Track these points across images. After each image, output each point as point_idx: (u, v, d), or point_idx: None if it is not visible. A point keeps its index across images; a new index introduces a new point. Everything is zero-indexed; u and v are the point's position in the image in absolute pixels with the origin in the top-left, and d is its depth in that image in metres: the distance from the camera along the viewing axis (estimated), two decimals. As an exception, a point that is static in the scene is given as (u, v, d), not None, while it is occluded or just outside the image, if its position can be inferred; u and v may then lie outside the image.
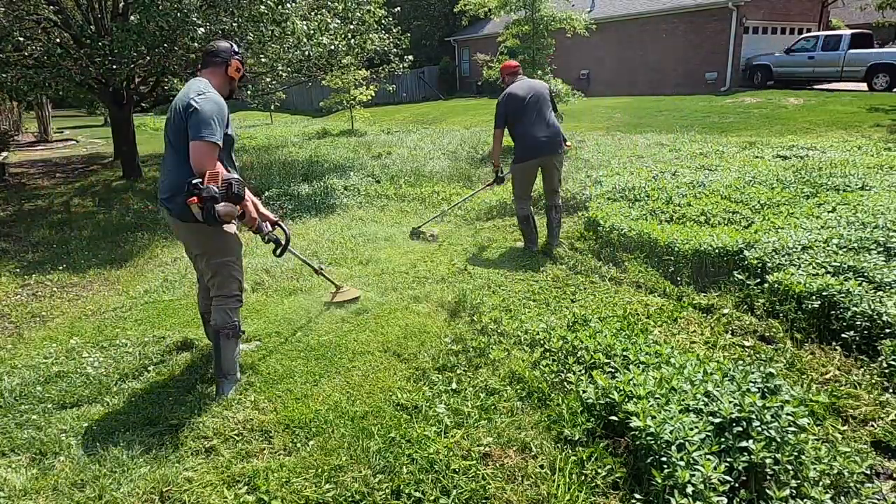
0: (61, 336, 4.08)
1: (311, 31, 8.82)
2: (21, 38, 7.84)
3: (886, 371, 2.91)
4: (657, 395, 2.50)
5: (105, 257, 6.13)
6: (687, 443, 2.17)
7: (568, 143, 5.33)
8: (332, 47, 9.54)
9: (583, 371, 3.00)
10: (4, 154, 12.19)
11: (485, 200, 7.11)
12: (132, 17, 8.04)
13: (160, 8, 7.23)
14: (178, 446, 2.68)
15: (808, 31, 19.79)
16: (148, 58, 8.08)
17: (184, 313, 4.37)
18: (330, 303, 4.25)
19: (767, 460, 2.12)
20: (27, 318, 4.55)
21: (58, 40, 8.54)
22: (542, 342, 3.39)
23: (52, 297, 5.02)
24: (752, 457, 2.12)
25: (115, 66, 8.03)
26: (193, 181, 2.68)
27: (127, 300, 4.81)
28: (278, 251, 3.56)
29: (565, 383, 2.96)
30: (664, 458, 2.16)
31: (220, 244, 3.08)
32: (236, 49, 3.07)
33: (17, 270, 5.72)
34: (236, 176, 2.81)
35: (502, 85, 5.49)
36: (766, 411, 2.28)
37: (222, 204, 2.69)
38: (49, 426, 2.89)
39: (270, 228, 3.38)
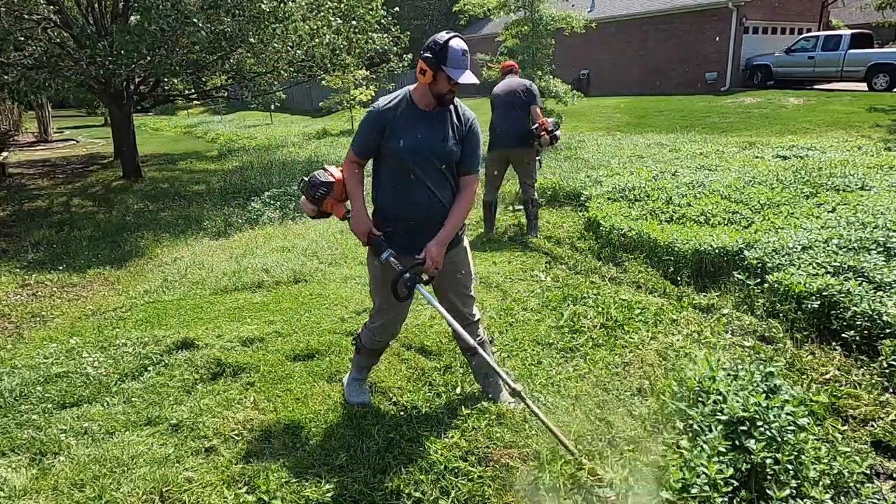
0: (61, 336, 4.07)
1: (314, 30, 8.83)
2: (21, 39, 7.84)
3: (886, 371, 2.91)
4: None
5: (105, 257, 6.13)
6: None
7: (539, 144, 5.57)
8: (334, 46, 9.55)
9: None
10: (4, 154, 12.19)
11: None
12: (132, 19, 8.05)
13: (160, 9, 7.23)
14: (178, 446, 2.68)
15: (808, 31, 19.78)
16: (148, 58, 8.08)
17: (184, 313, 4.37)
18: None
19: (768, 460, 2.12)
20: (27, 318, 4.55)
21: (58, 41, 8.55)
22: (542, 341, 3.39)
23: (52, 297, 5.02)
24: (753, 456, 2.12)
25: (115, 67, 8.03)
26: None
27: (127, 300, 4.80)
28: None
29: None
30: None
31: (370, 277, 2.78)
32: (432, 44, 2.45)
33: (17, 270, 5.72)
34: (319, 174, 2.71)
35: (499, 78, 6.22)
36: (769, 411, 2.27)
37: (302, 198, 2.77)
38: (49, 426, 2.89)
39: (388, 256, 2.57)
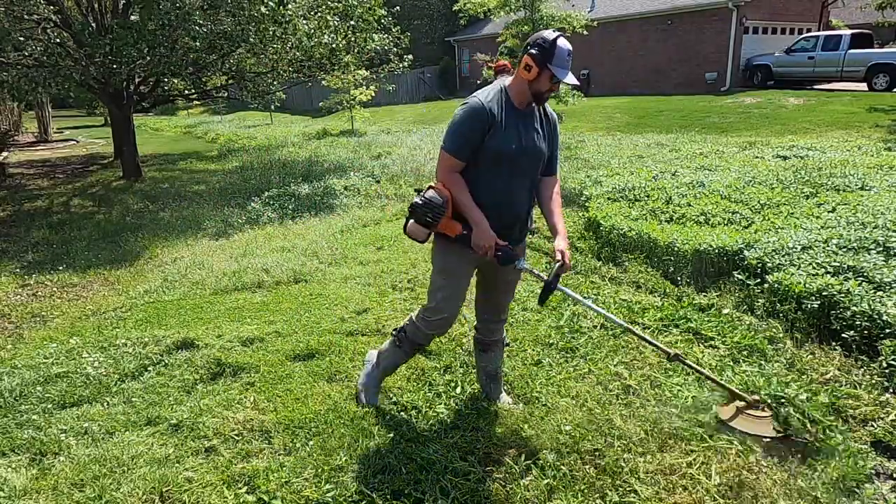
0: (61, 336, 4.07)
1: (312, 31, 8.83)
2: (21, 38, 7.84)
3: (886, 371, 2.91)
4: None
5: (105, 257, 6.13)
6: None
7: None
8: (333, 45, 9.55)
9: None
10: (4, 154, 12.19)
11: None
12: (133, 17, 8.05)
13: (160, 7, 7.24)
14: (178, 446, 2.68)
15: (808, 31, 19.77)
16: (148, 58, 8.09)
17: (184, 313, 4.37)
18: (729, 425, 2.53)
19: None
20: (27, 318, 4.55)
21: (58, 40, 8.54)
22: (542, 341, 3.39)
23: (52, 297, 5.02)
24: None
25: (115, 66, 8.03)
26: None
27: (127, 300, 4.80)
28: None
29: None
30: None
31: (435, 269, 2.69)
32: (540, 41, 2.39)
33: (17, 270, 5.72)
34: (433, 197, 2.45)
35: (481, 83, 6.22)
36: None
37: (411, 221, 2.53)
38: (49, 426, 2.89)
39: (525, 263, 2.55)
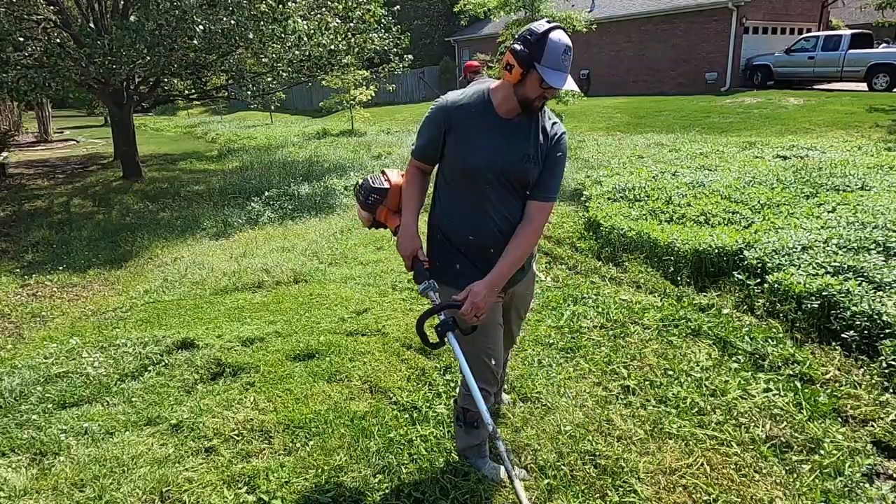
0: (61, 336, 4.07)
1: (312, 31, 8.82)
2: (21, 39, 7.84)
3: (886, 371, 2.91)
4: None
5: (105, 257, 6.13)
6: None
7: None
8: (333, 47, 9.55)
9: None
10: (4, 154, 12.19)
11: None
12: (132, 18, 8.05)
13: (159, 7, 7.24)
14: (178, 446, 2.68)
15: (808, 31, 19.78)
16: (148, 58, 8.09)
17: (184, 313, 4.37)
18: None
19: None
20: (27, 318, 4.55)
21: (57, 40, 8.54)
22: (542, 341, 3.39)
23: (52, 297, 5.02)
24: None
25: (114, 66, 8.03)
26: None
27: (127, 300, 4.80)
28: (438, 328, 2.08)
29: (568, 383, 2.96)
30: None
31: None
32: (527, 34, 1.91)
33: (17, 270, 5.72)
34: (377, 178, 2.32)
35: (463, 81, 6.38)
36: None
37: (358, 204, 2.41)
38: (49, 426, 2.89)
39: (426, 288, 2.17)
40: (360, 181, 2.36)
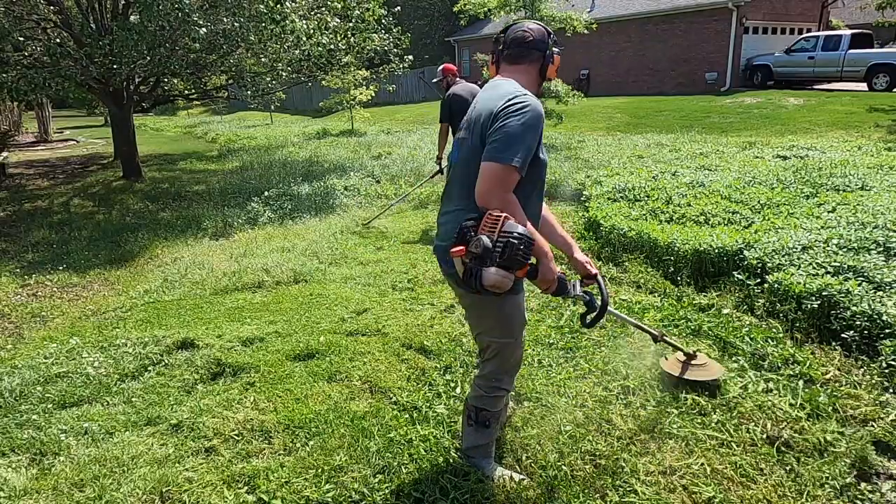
0: (61, 336, 4.07)
1: (311, 31, 8.82)
2: (21, 39, 7.84)
3: (886, 371, 2.91)
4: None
5: (105, 257, 6.13)
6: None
7: None
8: (332, 46, 9.55)
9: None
10: (4, 154, 12.19)
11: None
12: (133, 18, 8.05)
13: (160, 8, 7.24)
14: (178, 446, 2.68)
15: (808, 31, 19.78)
16: (148, 58, 8.09)
17: (184, 313, 4.37)
18: (678, 378, 2.89)
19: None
20: (27, 318, 4.55)
21: (58, 40, 8.55)
22: (542, 341, 3.39)
23: (52, 297, 5.02)
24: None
25: (115, 66, 8.03)
26: (468, 222, 1.91)
27: (127, 300, 4.80)
28: (588, 319, 2.27)
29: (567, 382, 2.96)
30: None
31: (498, 321, 2.16)
32: (555, 38, 2.21)
33: (17, 270, 5.72)
34: (522, 229, 1.81)
35: (443, 85, 5.97)
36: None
37: (493, 269, 1.77)
38: (49, 426, 2.89)
39: (579, 287, 2.21)
40: (515, 238, 1.78)
